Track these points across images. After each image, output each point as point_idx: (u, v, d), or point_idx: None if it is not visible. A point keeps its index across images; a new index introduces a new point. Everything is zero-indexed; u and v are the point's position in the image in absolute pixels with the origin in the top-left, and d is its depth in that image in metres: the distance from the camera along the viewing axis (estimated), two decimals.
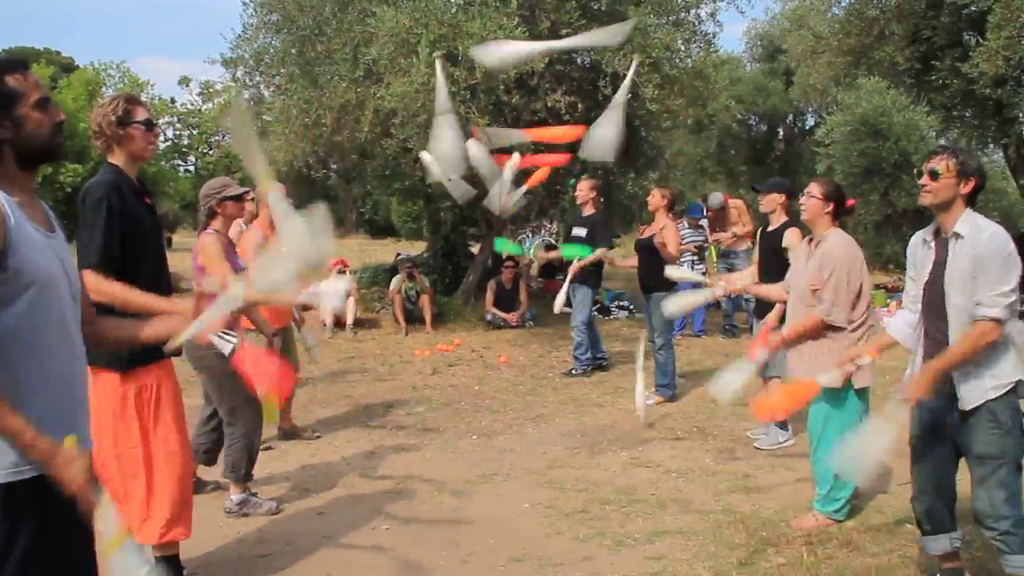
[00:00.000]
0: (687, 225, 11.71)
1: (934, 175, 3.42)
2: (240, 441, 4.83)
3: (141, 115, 3.53)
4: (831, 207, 4.67)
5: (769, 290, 5.44)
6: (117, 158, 3.54)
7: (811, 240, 4.77)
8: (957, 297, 3.37)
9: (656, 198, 7.89)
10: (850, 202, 4.88)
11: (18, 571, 2.13)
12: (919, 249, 3.62)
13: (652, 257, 7.61)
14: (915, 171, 3.60)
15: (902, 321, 3.77)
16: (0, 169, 2.18)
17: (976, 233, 3.35)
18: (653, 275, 7.65)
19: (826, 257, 4.56)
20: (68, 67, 37.18)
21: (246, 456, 4.87)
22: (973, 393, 3.38)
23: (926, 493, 3.64)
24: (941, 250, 3.48)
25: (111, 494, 3.63)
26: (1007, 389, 3.36)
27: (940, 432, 3.55)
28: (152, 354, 3.48)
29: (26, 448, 2.11)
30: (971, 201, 3.46)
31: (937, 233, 3.54)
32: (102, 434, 3.38)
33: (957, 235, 3.39)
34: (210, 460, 5.23)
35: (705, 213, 11.90)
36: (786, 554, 4.25)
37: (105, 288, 3.27)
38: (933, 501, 3.63)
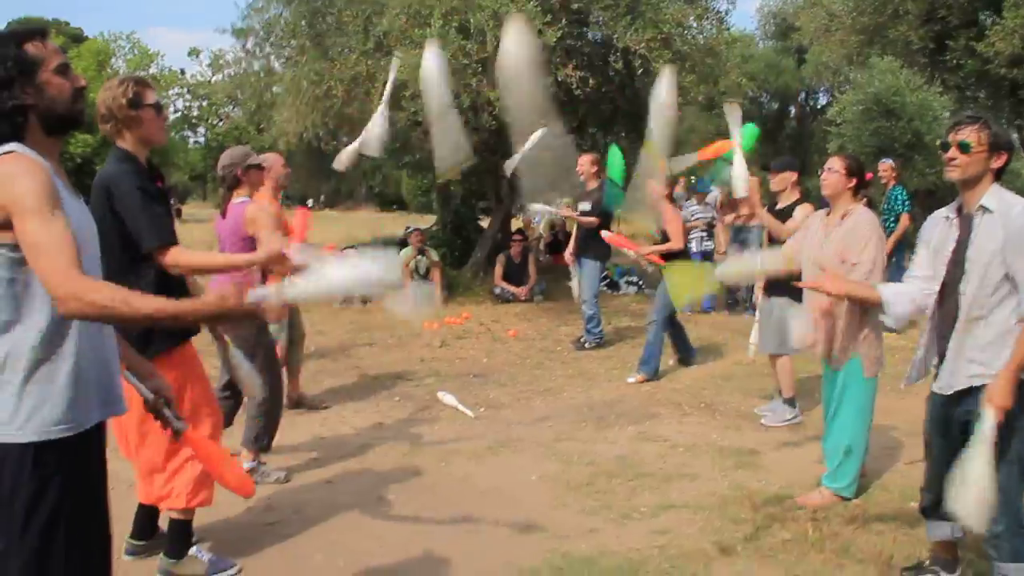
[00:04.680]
0: (695, 202, 11.68)
1: (964, 148, 3.19)
2: (261, 410, 4.85)
3: (151, 98, 3.44)
4: (853, 182, 4.59)
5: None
6: (126, 142, 3.44)
7: (829, 213, 4.70)
8: (973, 275, 3.19)
9: (656, 190, 7.92)
10: (867, 176, 4.83)
11: (45, 527, 2.19)
12: (940, 225, 3.42)
13: (665, 238, 7.64)
14: (939, 143, 3.41)
15: (899, 288, 3.59)
16: (29, 137, 2.20)
17: (1006, 208, 3.14)
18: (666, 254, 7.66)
19: (857, 229, 4.47)
20: (78, 38, 37.00)
21: (266, 426, 4.89)
22: (957, 377, 3.27)
23: (936, 483, 3.52)
24: (965, 227, 3.28)
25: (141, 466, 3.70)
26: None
27: (950, 424, 3.41)
28: (181, 332, 3.53)
29: (190, 314, 2.25)
30: (999, 177, 3.25)
31: (960, 210, 3.34)
32: (131, 408, 3.41)
33: (984, 208, 3.19)
34: (225, 424, 5.25)
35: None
36: (791, 530, 4.26)
37: (185, 261, 3.36)
38: (941, 493, 3.45)
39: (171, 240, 3.34)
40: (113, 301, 2.05)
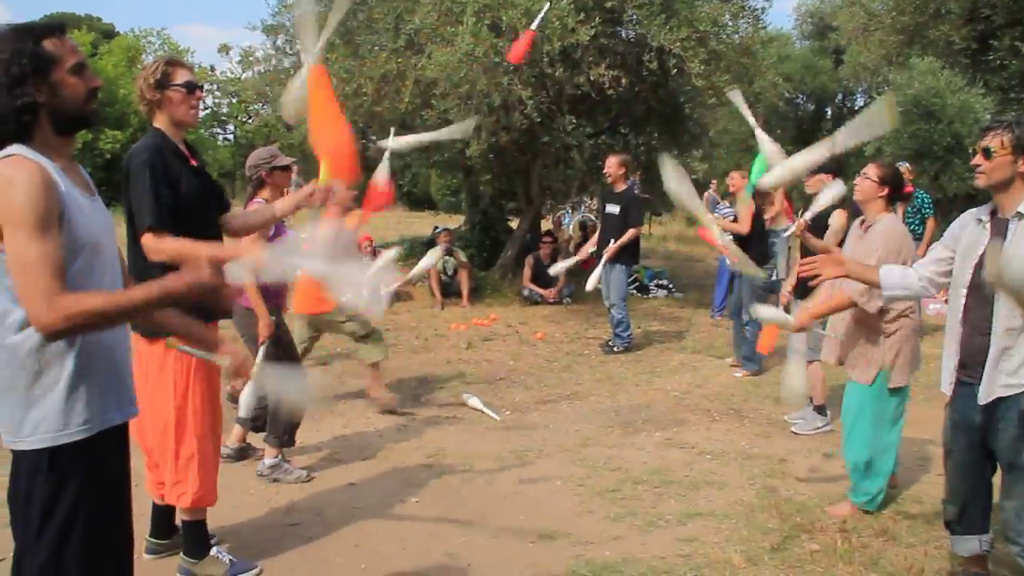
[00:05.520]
0: (728, 204, 11.59)
1: (987, 154, 3.17)
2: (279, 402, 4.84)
3: (181, 77, 3.46)
4: (886, 191, 4.50)
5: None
6: (160, 122, 3.49)
7: (863, 223, 4.62)
8: None
9: (736, 179, 8.18)
10: (908, 189, 4.74)
11: (62, 529, 2.19)
12: (970, 227, 3.36)
13: (739, 238, 7.54)
14: (970, 150, 3.38)
15: (902, 271, 3.58)
16: (38, 135, 2.17)
17: None
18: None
19: (873, 242, 4.40)
20: (109, 33, 37.38)
21: (287, 420, 4.88)
22: (986, 387, 3.20)
23: (958, 495, 3.49)
24: (998, 231, 3.21)
25: (147, 457, 3.69)
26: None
27: (972, 432, 3.36)
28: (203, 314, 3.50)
29: (168, 293, 2.14)
30: None
31: (994, 213, 3.28)
32: (139, 398, 3.40)
33: (1021, 215, 3.13)
34: (259, 428, 5.24)
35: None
36: (820, 540, 4.18)
37: (161, 247, 3.24)
38: (965, 504, 3.47)
39: (161, 225, 3.25)
40: (95, 306, 2.05)
